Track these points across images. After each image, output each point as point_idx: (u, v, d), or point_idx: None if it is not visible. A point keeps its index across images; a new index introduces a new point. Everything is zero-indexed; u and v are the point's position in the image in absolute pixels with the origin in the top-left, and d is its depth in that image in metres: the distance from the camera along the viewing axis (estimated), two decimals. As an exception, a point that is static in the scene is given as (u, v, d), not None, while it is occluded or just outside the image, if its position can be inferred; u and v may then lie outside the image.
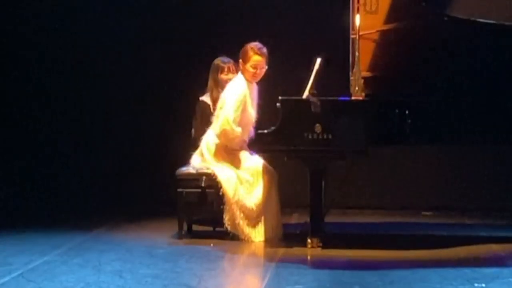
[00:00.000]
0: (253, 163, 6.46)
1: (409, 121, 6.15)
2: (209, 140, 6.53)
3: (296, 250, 6.17)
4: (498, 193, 7.92)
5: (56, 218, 7.60)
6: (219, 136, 6.46)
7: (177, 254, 6.02)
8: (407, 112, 6.14)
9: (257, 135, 6.22)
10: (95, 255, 5.93)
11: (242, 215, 6.35)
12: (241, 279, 5.49)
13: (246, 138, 6.53)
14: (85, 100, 8.44)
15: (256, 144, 6.23)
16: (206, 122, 6.72)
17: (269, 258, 5.93)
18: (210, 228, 6.77)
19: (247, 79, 6.52)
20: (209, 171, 6.57)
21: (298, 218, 7.26)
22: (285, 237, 6.61)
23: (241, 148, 6.54)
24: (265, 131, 6.17)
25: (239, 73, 6.56)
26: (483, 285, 5.03)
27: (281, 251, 6.19)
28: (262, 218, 6.39)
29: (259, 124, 6.44)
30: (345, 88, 6.30)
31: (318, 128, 6.04)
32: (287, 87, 6.55)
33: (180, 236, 6.56)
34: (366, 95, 6.21)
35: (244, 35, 6.54)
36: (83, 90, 8.44)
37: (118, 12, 8.26)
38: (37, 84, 8.44)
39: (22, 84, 8.45)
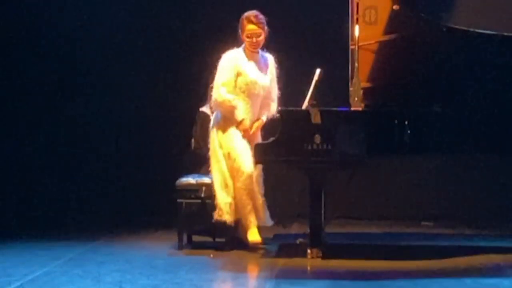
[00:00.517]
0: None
1: (409, 131, 6.16)
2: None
3: (296, 260, 6.15)
4: (497, 203, 7.94)
5: (56, 229, 7.61)
6: (213, 106, 6.52)
7: (177, 265, 6.00)
8: (406, 122, 6.14)
9: (257, 146, 6.21)
10: (95, 266, 5.92)
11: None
12: (249, 283, 5.49)
13: (255, 110, 6.53)
14: (85, 110, 8.44)
15: (257, 155, 6.20)
16: (206, 132, 6.72)
17: (269, 269, 5.91)
18: (210, 239, 6.74)
19: (247, 49, 6.49)
20: (208, 181, 6.58)
21: (298, 228, 7.25)
22: (285, 247, 6.62)
23: (244, 126, 6.45)
24: (265, 141, 6.20)
25: None
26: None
27: (281, 261, 6.18)
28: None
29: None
30: (345, 98, 6.31)
31: (317, 138, 6.04)
32: (287, 98, 6.56)
33: (180, 247, 6.56)
34: (366, 106, 6.25)
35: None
36: (83, 101, 8.45)
37: (121, 23, 8.31)
38: (37, 96, 8.43)
39: (23, 94, 8.44)
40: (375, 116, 6.23)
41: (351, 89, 6.25)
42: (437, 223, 7.97)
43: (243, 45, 6.52)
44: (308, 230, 6.20)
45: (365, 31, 6.28)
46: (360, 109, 6.21)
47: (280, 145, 6.10)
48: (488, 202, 7.97)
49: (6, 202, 8.24)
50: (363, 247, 6.89)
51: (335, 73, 6.53)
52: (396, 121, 6.14)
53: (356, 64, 6.21)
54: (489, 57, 6.33)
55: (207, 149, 6.69)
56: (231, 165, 6.35)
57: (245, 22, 6.40)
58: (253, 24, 6.37)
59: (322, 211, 6.19)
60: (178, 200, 6.55)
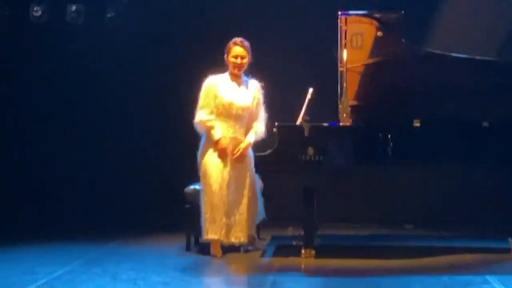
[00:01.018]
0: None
1: (391, 144, 6.17)
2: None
3: (292, 260, 6.15)
4: (471, 208, 7.92)
5: (77, 232, 7.56)
6: (195, 128, 6.34)
7: (185, 265, 5.99)
8: (389, 136, 6.15)
9: (256, 157, 6.21)
10: (112, 265, 5.91)
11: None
12: (246, 285, 5.47)
13: (237, 130, 6.27)
14: (104, 120, 8.36)
15: (256, 166, 6.21)
16: None
17: (267, 267, 5.92)
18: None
19: (231, 72, 6.31)
20: None
21: (293, 231, 7.22)
22: (282, 247, 6.60)
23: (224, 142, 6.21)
24: (263, 153, 6.18)
25: None
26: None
27: (279, 261, 6.19)
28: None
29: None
30: (334, 114, 6.31)
31: (310, 150, 6.04)
32: (283, 114, 6.56)
33: (187, 248, 6.53)
34: (353, 121, 6.22)
35: (247, 70, 6.50)
36: (99, 112, 8.38)
37: (126, 37, 8.27)
38: (53, 107, 8.36)
39: (39, 105, 8.37)
40: (362, 131, 6.20)
41: (340, 106, 6.25)
42: (417, 226, 7.94)
43: (228, 71, 6.35)
44: (302, 233, 6.21)
45: (352, 55, 6.27)
46: (348, 124, 6.21)
47: (276, 156, 6.10)
48: (462, 207, 7.94)
49: (31, 208, 8.22)
50: (351, 247, 6.86)
51: (325, 92, 6.49)
52: (380, 135, 6.15)
53: (344, 84, 6.23)
54: (460, 78, 6.37)
55: None
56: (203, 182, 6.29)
57: (231, 44, 6.28)
58: (239, 47, 6.24)
59: (315, 215, 6.20)
60: (186, 206, 6.54)
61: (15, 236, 7.37)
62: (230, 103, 6.20)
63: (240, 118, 6.25)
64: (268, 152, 6.16)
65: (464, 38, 7.43)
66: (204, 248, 6.48)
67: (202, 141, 6.34)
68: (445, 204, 7.98)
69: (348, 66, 6.25)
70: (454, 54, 6.42)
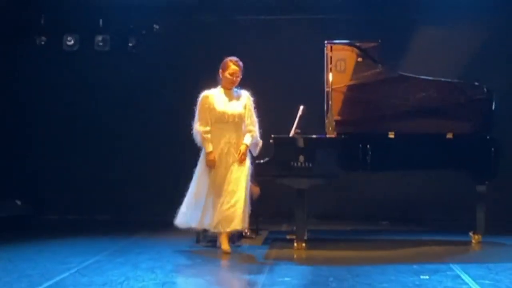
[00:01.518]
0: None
1: (370, 152, 6.20)
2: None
3: (286, 251, 6.14)
4: (438, 206, 7.91)
5: (103, 228, 7.58)
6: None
7: (195, 254, 6.00)
8: (368, 146, 6.18)
9: (256, 164, 6.15)
10: (134, 256, 5.91)
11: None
12: (246, 272, 5.46)
13: (231, 134, 6.03)
14: (125, 130, 8.33)
15: (255, 172, 6.14)
16: None
17: (266, 257, 5.91)
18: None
19: (224, 86, 6.08)
20: None
21: (287, 227, 7.24)
22: (278, 241, 6.56)
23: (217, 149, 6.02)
24: (261, 161, 6.17)
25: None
26: (427, 276, 5.03)
27: (274, 252, 6.17)
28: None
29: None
30: (322, 128, 6.32)
31: (301, 158, 6.04)
32: (279, 127, 6.56)
33: (197, 241, 6.51)
34: (338, 134, 6.23)
35: (248, 88, 6.48)
36: (122, 123, 8.33)
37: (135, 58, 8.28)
38: (86, 121, 8.37)
39: (76, 119, 8.39)
40: (345, 142, 6.21)
41: (326, 121, 6.27)
42: (391, 222, 7.95)
43: (220, 84, 6.11)
44: (294, 228, 6.20)
45: (337, 77, 6.28)
46: (333, 136, 6.22)
47: (272, 163, 6.11)
48: (430, 206, 7.92)
49: (63, 207, 8.23)
50: (336, 240, 6.83)
51: (314, 108, 6.48)
52: (360, 145, 6.17)
53: (330, 102, 6.24)
54: (428, 96, 6.38)
55: None
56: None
57: (229, 63, 6.02)
58: (236, 66, 6.00)
59: (305, 213, 6.19)
60: None
61: (51, 232, 7.37)
62: (223, 112, 5.99)
63: (235, 124, 6.03)
64: (265, 160, 6.17)
65: (430, 63, 7.46)
66: (211, 241, 6.48)
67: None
68: (416, 204, 7.98)
69: (333, 87, 6.26)
70: (422, 77, 6.44)
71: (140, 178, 8.25)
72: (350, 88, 6.34)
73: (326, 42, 6.33)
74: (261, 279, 5.11)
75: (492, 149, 6.33)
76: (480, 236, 6.40)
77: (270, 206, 6.82)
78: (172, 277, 5.10)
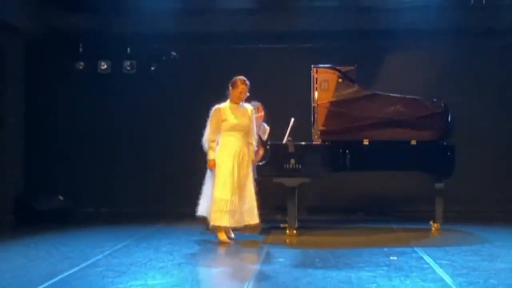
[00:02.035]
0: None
1: (348, 156, 6.21)
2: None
3: (280, 237, 6.13)
4: (404, 200, 7.93)
5: (131, 218, 7.57)
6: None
7: (205, 240, 5.98)
8: (347, 151, 6.20)
9: (256, 166, 6.12)
10: (156, 241, 5.92)
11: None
12: (248, 254, 5.49)
13: (243, 140, 5.87)
14: (150, 138, 8.30)
15: (256, 172, 6.11)
16: None
17: (263, 242, 5.90)
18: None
19: (233, 101, 5.87)
20: None
21: (281, 218, 7.22)
22: (273, 228, 6.53)
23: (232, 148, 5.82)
24: (260, 163, 6.17)
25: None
26: (395, 257, 5.04)
27: (270, 238, 6.16)
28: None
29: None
30: (309, 136, 6.34)
31: (292, 161, 6.04)
32: (274, 136, 6.58)
33: (207, 228, 6.40)
34: (322, 141, 6.25)
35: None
36: (146, 132, 8.31)
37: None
38: (118, 133, 8.33)
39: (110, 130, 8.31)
40: (328, 147, 6.21)
41: (313, 130, 6.30)
42: (366, 213, 7.93)
43: (229, 99, 5.92)
44: (287, 218, 6.17)
45: (321, 95, 6.28)
46: (318, 143, 6.24)
47: (269, 165, 6.11)
48: (398, 199, 7.95)
49: (100, 202, 8.23)
50: (322, 228, 6.83)
51: (302, 120, 6.47)
52: (340, 150, 6.20)
53: (316, 115, 6.26)
54: (395, 110, 6.38)
55: None
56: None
57: (239, 82, 5.83)
58: (244, 85, 5.83)
59: (295, 206, 6.17)
60: None
61: (87, 222, 7.39)
62: (236, 124, 5.83)
63: (243, 131, 5.88)
64: (263, 162, 6.17)
65: (398, 83, 7.47)
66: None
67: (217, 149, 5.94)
68: (386, 198, 7.97)
69: (318, 102, 6.26)
70: (391, 94, 6.45)
71: (160, 178, 8.22)
72: (332, 104, 6.32)
73: (312, 66, 6.34)
74: (260, 259, 5.12)
75: (448, 153, 6.34)
76: (438, 225, 6.41)
77: (267, 200, 6.80)
78: (187, 259, 5.11)
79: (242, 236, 6.07)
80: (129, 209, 8.10)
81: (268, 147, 6.21)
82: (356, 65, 6.41)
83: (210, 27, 7.96)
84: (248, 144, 5.92)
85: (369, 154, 6.28)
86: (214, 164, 5.79)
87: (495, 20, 7.68)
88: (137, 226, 6.93)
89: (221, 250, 5.64)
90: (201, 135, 7.28)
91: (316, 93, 6.28)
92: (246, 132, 5.91)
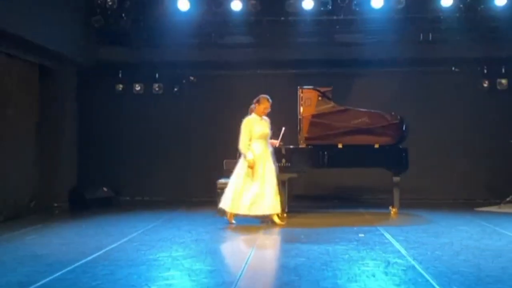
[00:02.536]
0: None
1: (326, 157, 6.22)
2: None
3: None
4: (369, 190, 7.87)
5: (159, 204, 7.52)
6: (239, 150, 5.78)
7: (217, 222, 5.93)
8: (325, 152, 6.22)
9: None
10: (178, 222, 5.91)
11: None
12: (250, 232, 5.47)
13: (267, 145, 5.72)
14: (174, 142, 8.20)
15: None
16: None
17: (261, 222, 5.85)
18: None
19: (258, 114, 5.72)
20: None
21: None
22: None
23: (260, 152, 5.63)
24: None
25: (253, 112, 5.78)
26: (363, 235, 5.04)
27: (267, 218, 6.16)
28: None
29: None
30: (296, 141, 6.33)
31: (283, 160, 6.06)
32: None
33: (217, 213, 6.30)
34: (306, 145, 6.25)
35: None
36: (170, 140, 8.22)
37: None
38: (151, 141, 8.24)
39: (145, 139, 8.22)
40: (310, 150, 6.21)
41: (299, 137, 6.30)
42: (340, 201, 7.83)
43: (254, 112, 5.76)
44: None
45: (305, 109, 6.28)
46: (303, 146, 6.25)
47: None
48: (365, 190, 7.91)
49: (134, 191, 8.12)
50: (306, 212, 6.78)
51: (291, 129, 6.39)
52: (320, 152, 6.21)
53: (301, 125, 6.27)
54: (363, 120, 6.34)
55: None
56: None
57: (264, 100, 5.69)
58: (268, 102, 5.71)
59: (286, 195, 6.12)
60: (218, 190, 6.42)
61: (125, 208, 7.36)
62: (262, 132, 5.69)
63: (266, 139, 5.75)
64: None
65: (365, 100, 7.43)
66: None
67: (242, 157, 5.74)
68: (355, 188, 7.92)
69: (303, 115, 6.26)
70: (359, 109, 6.44)
71: (182, 174, 8.14)
72: (314, 116, 6.31)
73: (299, 87, 6.35)
74: (258, 236, 5.16)
75: (403, 154, 6.35)
76: (396, 210, 6.41)
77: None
78: (202, 235, 5.12)
79: (244, 220, 6.07)
80: (158, 198, 8.04)
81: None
82: (331, 87, 6.41)
83: (219, 57, 7.91)
84: (269, 148, 5.78)
85: (342, 154, 6.26)
86: (254, 163, 5.55)
87: (439, 51, 7.66)
88: (163, 211, 6.90)
89: (229, 229, 5.58)
90: (213, 139, 7.33)
91: (301, 108, 6.28)
92: (267, 140, 5.79)
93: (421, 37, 7.66)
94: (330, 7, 7.32)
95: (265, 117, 5.85)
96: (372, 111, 6.44)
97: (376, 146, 6.31)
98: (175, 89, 8.21)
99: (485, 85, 7.84)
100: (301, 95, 6.29)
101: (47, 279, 3.55)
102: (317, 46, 7.76)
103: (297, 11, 7.39)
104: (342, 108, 6.39)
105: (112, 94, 8.17)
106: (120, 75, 8.17)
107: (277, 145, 6.24)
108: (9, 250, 4.49)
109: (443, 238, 4.91)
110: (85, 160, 7.99)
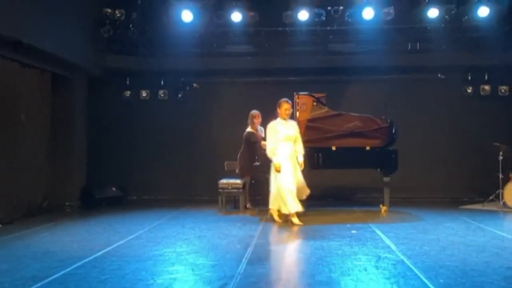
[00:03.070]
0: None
1: (321, 158, 6.20)
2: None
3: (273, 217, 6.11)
4: (361, 189, 7.82)
5: (164, 203, 7.49)
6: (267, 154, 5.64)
7: (220, 218, 5.96)
8: (320, 154, 6.20)
9: (256, 166, 6.11)
10: (181, 220, 5.88)
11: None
12: (251, 226, 5.43)
13: (292, 147, 5.56)
14: (179, 144, 8.16)
15: (256, 170, 6.10)
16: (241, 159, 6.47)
17: (261, 219, 5.84)
18: (237, 210, 6.55)
19: (281, 117, 5.60)
20: (234, 181, 6.38)
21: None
22: (267, 211, 6.30)
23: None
24: (258, 163, 6.16)
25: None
26: (355, 231, 5.04)
27: (266, 217, 6.02)
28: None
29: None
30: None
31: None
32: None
33: (220, 211, 6.44)
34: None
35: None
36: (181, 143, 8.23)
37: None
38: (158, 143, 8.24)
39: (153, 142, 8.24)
40: (307, 152, 5.99)
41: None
42: (335, 199, 7.78)
43: (278, 117, 5.65)
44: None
45: (301, 114, 6.27)
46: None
47: (265, 165, 6.01)
48: (357, 189, 7.88)
49: (141, 191, 8.11)
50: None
51: None
52: (315, 154, 6.17)
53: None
54: (354, 124, 6.33)
55: (236, 171, 6.51)
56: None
57: (283, 102, 5.59)
58: (288, 104, 5.60)
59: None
60: (219, 190, 6.46)
61: (132, 206, 7.34)
62: (287, 134, 5.56)
63: (292, 140, 5.60)
64: (260, 163, 6.17)
65: (357, 105, 7.42)
66: (230, 212, 6.41)
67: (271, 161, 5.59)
68: (348, 188, 7.88)
69: (299, 119, 6.24)
70: (351, 113, 6.41)
71: (185, 175, 8.13)
72: (309, 120, 6.31)
73: (295, 93, 6.33)
74: (259, 229, 5.17)
75: (393, 156, 6.33)
76: (386, 208, 6.38)
77: (264, 189, 6.79)
78: (204, 232, 5.11)
79: (243, 218, 6.04)
80: (163, 197, 8.03)
81: (263, 151, 6.13)
82: (326, 93, 6.40)
83: (221, 65, 7.92)
84: (296, 149, 5.61)
85: (336, 156, 6.23)
86: (280, 166, 5.45)
87: (426, 60, 7.66)
88: (168, 209, 6.88)
89: (230, 224, 5.55)
90: (214, 142, 7.29)
91: (297, 113, 6.26)
92: (294, 141, 5.64)
93: (409, 46, 7.69)
94: (324, 18, 7.40)
95: (291, 120, 5.74)
96: (364, 115, 6.43)
97: (367, 148, 6.29)
98: (179, 95, 8.21)
99: (469, 91, 7.88)
100: (297, 100, 6.27)
101: (59, 274, 3.56)
102: (312, 55, 7.77)
103: (293, 22, 7.44)
104: (335, 112, 6.38)
105: (120, 100, 8.16)
106: (127, 82, 8.17)
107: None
108: (23, 247, 4.49)
109: (430, 235, 4.92)
110: (95, 161, 7.97)
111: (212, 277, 3.46)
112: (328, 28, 7.52)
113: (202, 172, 7.93)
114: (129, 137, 8.27)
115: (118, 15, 7.48)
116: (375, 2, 7.27)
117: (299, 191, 5.55)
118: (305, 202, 5.70)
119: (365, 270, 3.61)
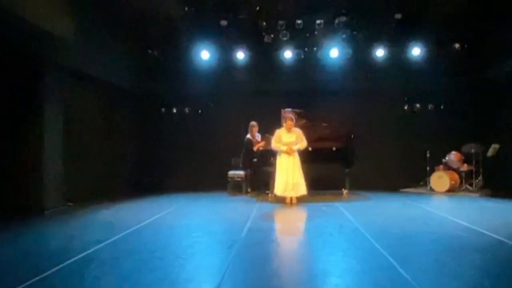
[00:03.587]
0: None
1: (302, 156, 6.05)
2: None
3: (265, 198, 5.94)
4: (329, 179, 7.24)
5: (186, 189, 7.05)
6: (273, 148, 5.52)
7: (228, 199, 5.91)
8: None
9: (253, 162, 5.97)
10: (190, 206, 5.45)
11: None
12: (248, 206, 5.34)
13: (291, 148, 5.39)
14: (193, 144, 7.75)
15: (253, 165, 5.97)
16: (245, 156, 6.32)
17: (257, 200, 5.78)
18: (241, 193, 6.42)
19: (286, 128, 5.47)
20: (239, 173, 6.32)
21: (266, 188, 7.11)
22: (262, 194, 6.19)
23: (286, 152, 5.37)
24: (255, 160, 6.07)
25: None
26: (325, 208, 5.04)
27: (261, 198, 6.03)
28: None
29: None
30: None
31: (272, 159, 5.83)
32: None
33: (228, 193, 6.36)
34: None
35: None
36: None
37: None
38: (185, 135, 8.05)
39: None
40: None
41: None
42: (313, 187, 7.41)
43: (284, 126, 5.53)
44: (270, 188, 5.88)
45: (287, 125, 6.00)
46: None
47: (260, 161, 6.05)
48: (327, 179, 7.17)
49: (159, 183, 7.75)
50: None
51: None
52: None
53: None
54: (326, 132, 6.25)
55: (239, 165, 6.40)
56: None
57: (287, 119, 5.46)
58: (290, 120, 5.47)
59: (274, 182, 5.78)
60: (228, 178, 6.43)
61: (165, 191, 7.18)
62: (287, 141, 5.44)
63: (291, 144, 5.42)
64: (256, 160, 6.12)
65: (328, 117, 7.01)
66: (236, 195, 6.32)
67: (277, 153, 5.49)
68: (320, 178, 7.08)
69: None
70: (323, 124, 6.15)
71: (203, 168, 7.90)
72: (300, 127, 5.91)
73: (282, 109, 6.18)
74: (254, 208, 5.11)
75: (352, 154, 6.30)
76: (347, 191, 6.32)
77: (260, 179, 6.78)
78: (217, 208, 5.12)
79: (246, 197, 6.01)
80: (186, 185, 7.65)
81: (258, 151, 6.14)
82: (304, 109, 6.33)
83: (229, 89, 7.82)
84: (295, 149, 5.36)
85: (311, 155, 6.11)
86: (289, 148, 5.29)
87: (377, 85, 7.62)
88: (189, 194, 6.72)
89: (233, 203, 5.46)
90: (224, 144, 7.17)
91: (284, 123, 6.05)
92: (295, 144, 5.43)
93: (364, 75, 7.78)
94: (303, 56, 7.52)
95: (296, 129, 5.52)
96: (332, 124, 6.43)
97: (334, 148, 6.28)
98: (199, 111, 8.19)
99: (406, 108, 7.99)
100: (284, 114, 6.16)
101: (115, 237, 3.65)
102: (295, 81, 7.77)
103: (281, 58, 7.58)
104: (312, 123, 6.34)
105: (157, 115, 8.13)
106: (162, 101, 8.15)
107: (261, 148, 6.19)
108: (89, 221, 4.53)
109: (377, 209, 5.02)
110: (140, 159, 7.92)
111: (223, 239, 3.56)
112: (306, 63, 7.61)
113: (215, 166, 7.76)
114: (165, 142, 8.14)
115: (156, 53, 7.62)
116: (339, 45, 7.45)
117: (295, 187, 5.29)
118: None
119: (331, 234, 3.70)
